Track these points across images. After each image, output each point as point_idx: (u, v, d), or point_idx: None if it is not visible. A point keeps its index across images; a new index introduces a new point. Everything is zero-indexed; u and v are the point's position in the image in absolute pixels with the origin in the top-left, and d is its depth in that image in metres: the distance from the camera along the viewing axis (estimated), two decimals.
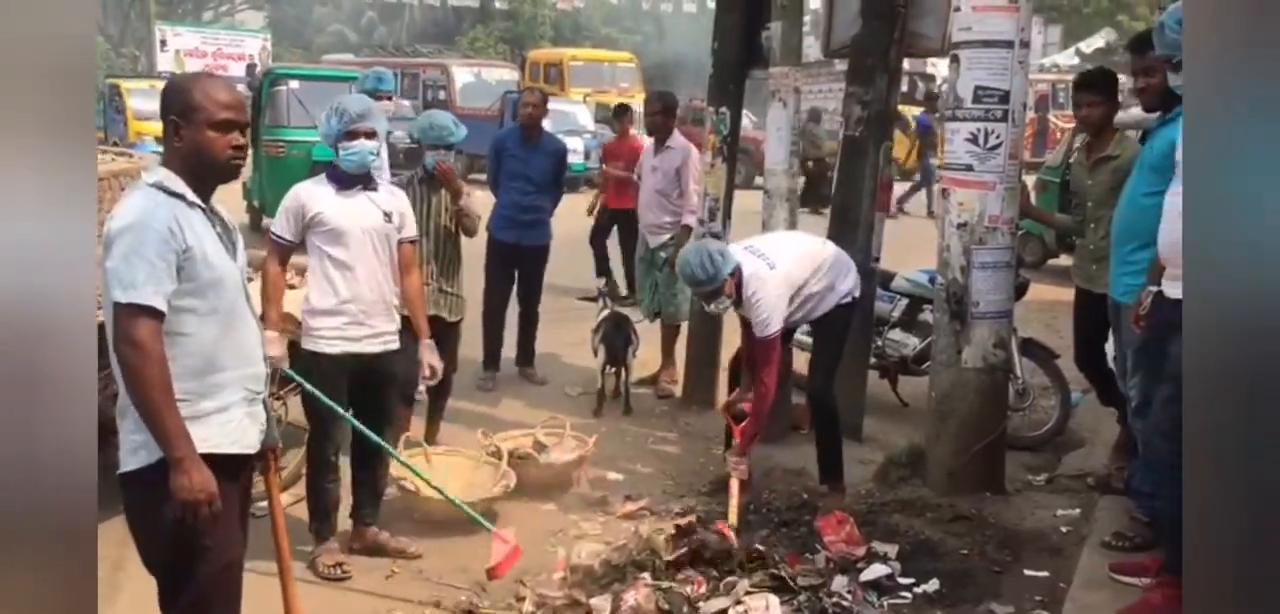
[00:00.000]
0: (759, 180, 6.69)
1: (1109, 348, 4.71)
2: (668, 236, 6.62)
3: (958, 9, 4.53)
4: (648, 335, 6.68)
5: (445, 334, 5.03)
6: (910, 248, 8.38)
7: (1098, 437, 5.56)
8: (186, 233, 2.46)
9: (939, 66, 20.72)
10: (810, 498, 4.71)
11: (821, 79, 20.27)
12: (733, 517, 4.28)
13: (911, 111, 19.53)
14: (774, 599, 3.58)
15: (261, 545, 3.13)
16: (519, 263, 6.66)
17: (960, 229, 4.56)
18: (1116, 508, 4.37)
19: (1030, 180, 7.81)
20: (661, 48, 32.57)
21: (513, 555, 3.84)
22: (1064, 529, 4.43)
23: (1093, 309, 4.72)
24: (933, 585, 3.88)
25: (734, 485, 4.39)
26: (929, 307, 5.71)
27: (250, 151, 8.51)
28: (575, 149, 15.96)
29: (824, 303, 4.57)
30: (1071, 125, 14.58)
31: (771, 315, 4.32)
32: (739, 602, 3.54)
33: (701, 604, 3.57)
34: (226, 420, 2.56)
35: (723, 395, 5.62)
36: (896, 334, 6.19)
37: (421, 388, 5.18)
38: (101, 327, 2.39)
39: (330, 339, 3.99)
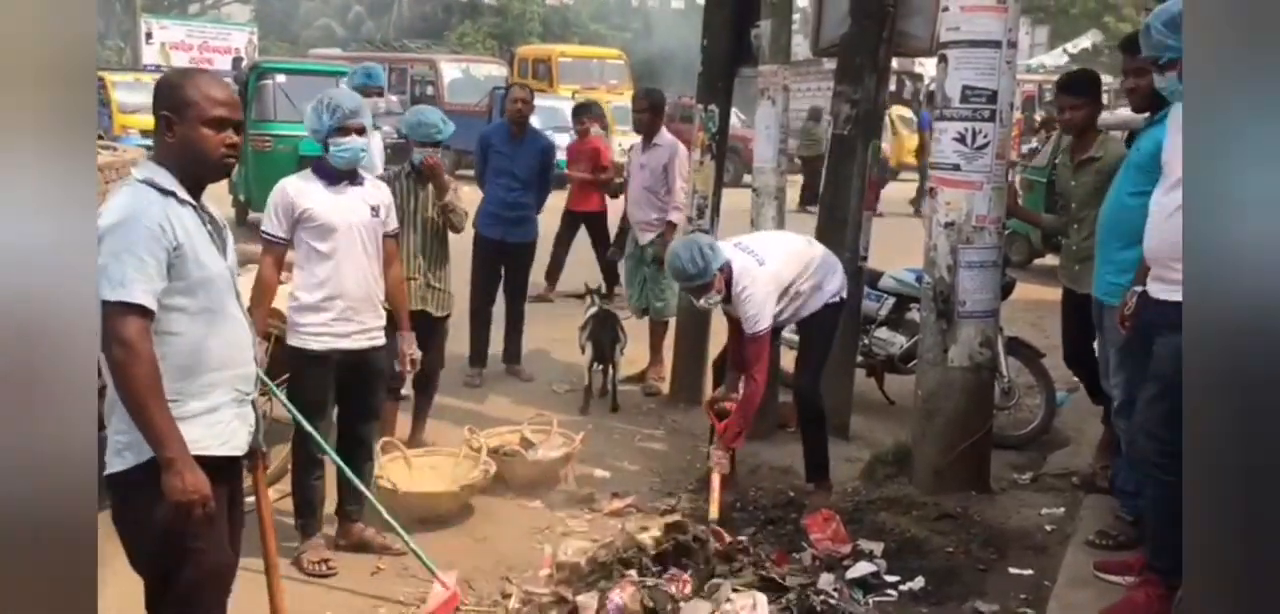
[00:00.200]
0: (748, 178, 6.68)
1: (1095, 347, 4.74)
2: (656, 234, 6.62)
3: (946, 9, 4.53)
4: (635, 332, 6.67)
5: (432, 330, 5.02)
6: (897, 246, 8.40)
7: (1082, 436, 5.59)
8: (177, 230, 2.43)
9: (927, 66, 20.81)
10: (797, 496, 4.73)
11: (810, 77, 20.30)
12: (714, 511, 4.29)
13: (898, 111, 19.61)
14: (761, 597, 3.58)
15: (248, 542, 3.10)
16: (505, 260, 6.65)
17: (947, 228, 4.57)
18: (1101, 507, 4.39)
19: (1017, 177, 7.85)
20: (650, 44, 32.55)
21: (450, 602, 3.74)
22: (1048, 528, 4.45)
23: (1078, 308, 4.74)
24: (918, 583, 3.90)
25: (715, 480, 4.39)
26: (916, 305, 5.73)
27: None
28: (563, 146, 15.90)
29: (811, 303, 4.58)
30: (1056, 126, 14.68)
31: (761, 312, 4.32)
32: (728, 600, 3.53)
33: (684, 604, 3.57)
34: (215, 421, 2.54)
35: (709, 393, 5.62)
36: (883, 332, 6.20)
37: (407, 386, 5.17)
38: None
39: (318, 335, 3.97)
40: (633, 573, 3.78)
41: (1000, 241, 4.67)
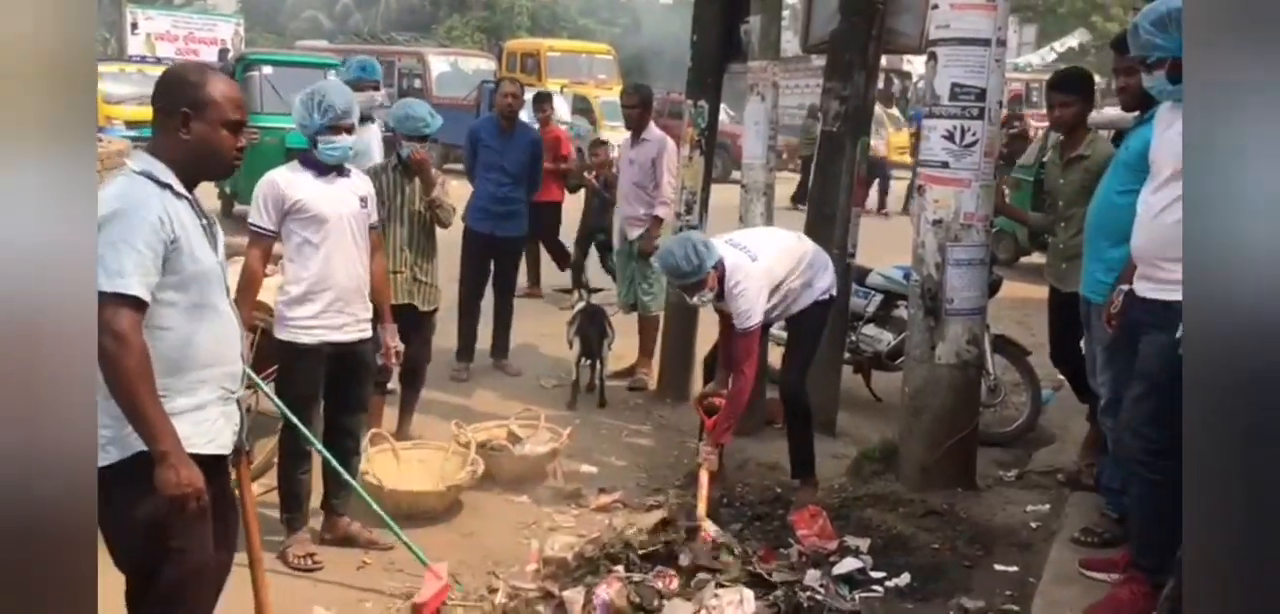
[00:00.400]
0: (736, 174, 6.69)
1: (1083, 345, 4.75)
2: (644, 229, 6.61)
3: (935, 6, 4.54)
4: (624, 327, 6.67)
5: (419, 324, 5.00)
6: (885, 245, 8.42)
7: (1068, 433, 5.62)
8: (175, 224, 2.42)
9: (915, 64, 20.87)
10: (784, 492, 4.73)
11: (800, 74, 20.31)
12: (702, 508, 4.29)
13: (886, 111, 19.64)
14: (748, 593, 3.58)
15: None
16: (494, 254, 6.63)
17: (936, 226, 4.58)
18: (1086, 504, 4.41)
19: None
20: (638, 39, 32.52)
21: (442, 592, 3.74)
22: (1034, 525, 4.47)
23: (1064, 307, 4.76)
24: (904, 579, 3.91)
25: (703, 477, 4.39)
26: (903, 302, 5.74)
27: None
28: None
29: (801, 300, 4.58)
30: (1045, 124, 14.73)
31: (753, 308, 4.32)
32: (715, 596, 3.53)
33: (671, 601, 3.57)
34: (202, 419, 2.52)
35: (697, 389, 5.62)
36: (871, 329, 6.21)
37: (393, 380, 5.15)
38: None
39: (309, 328, 3.94)
40: (619, 568, 3.78)
41: (988, 240, 4.68)
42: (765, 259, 4.45)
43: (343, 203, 3.98)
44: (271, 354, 4.14)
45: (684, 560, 3.83)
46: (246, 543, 3.04)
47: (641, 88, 7.07)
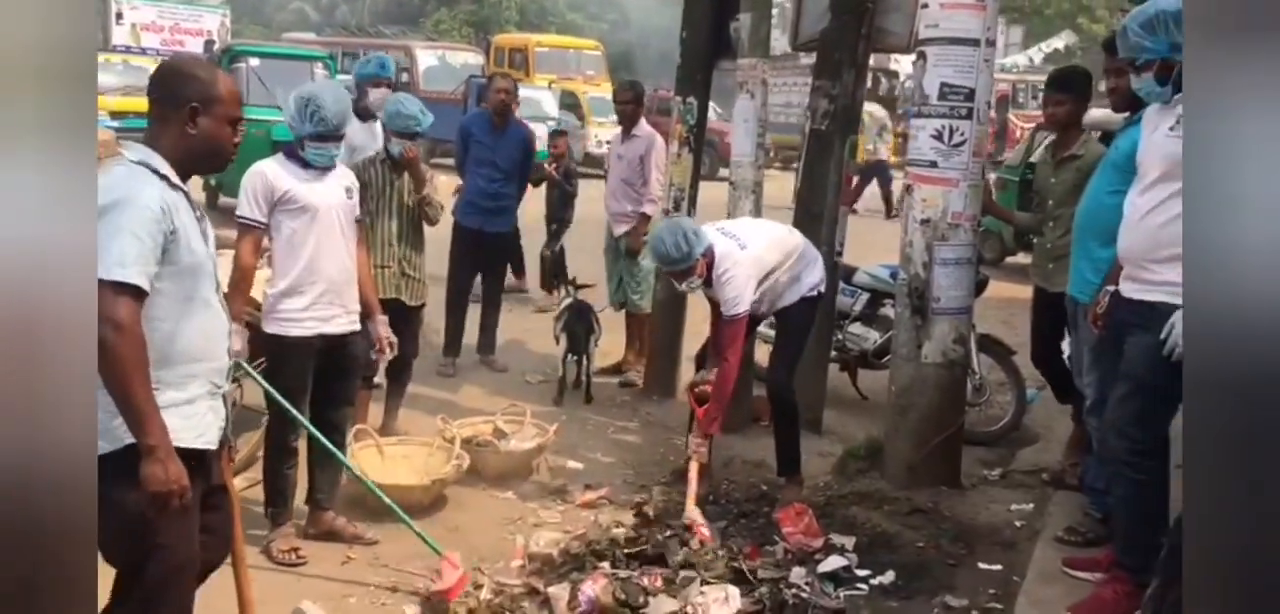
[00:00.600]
0: (724, 172, 6.68)
1: (1066, 346, 4.77)
2: (631, 226, 6.61)
3: (925, 5, 4.55)
4: (610, 324, 6.66)
5: (406, 318, 4.98)
6: (885, 245, 8.44)
7: (1052, 433, 5.64)
8: (173, 215, 2.41)
9: (903, 63, 20.91)
10: (769, 490, 4.73)
11: (789, 72, 20.32)
12: (691, 502, 4.29)
13: (870, 108, 19.66)
14: (733, 590, 3.59)
15: None
16: (483, 249, 6.61)
17: (923, 225, 4.59)
18: (1070, 503, 4.44)
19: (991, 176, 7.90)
20: (627, 35, 32.49)
21: (462, 582, 3.73)
22: (1018, 524, 4.49)
23: (1049, 307, 4.78)
24: (889, 577, 3.92)
25: (693, 469, 4.40)
26: (890, 301, 5.75)
27: None
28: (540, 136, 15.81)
29: (789, 294, 4.59)
30: (1032, 125, 14.80)
31: (740, 295, 4.33)
32: (700, 594, 3.53)
33: (653, 599, 3.56)
34: (191, 413, 2.50)
35: (684, 385, 5.62)
36: (857, 328, 6.22)
37: (380, 374, 5.13)
38: None
39: (300, 320, 3.92)
40: (605, 565, 3.78)
41: (975, 239, 4.69)
42: (755, 248, 4.46)
43: (330, 194, 3.96)
44: (259, 347, 4.11)
45: (671, 559, 3.83)
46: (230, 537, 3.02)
47: (635, 84, 7.07)
